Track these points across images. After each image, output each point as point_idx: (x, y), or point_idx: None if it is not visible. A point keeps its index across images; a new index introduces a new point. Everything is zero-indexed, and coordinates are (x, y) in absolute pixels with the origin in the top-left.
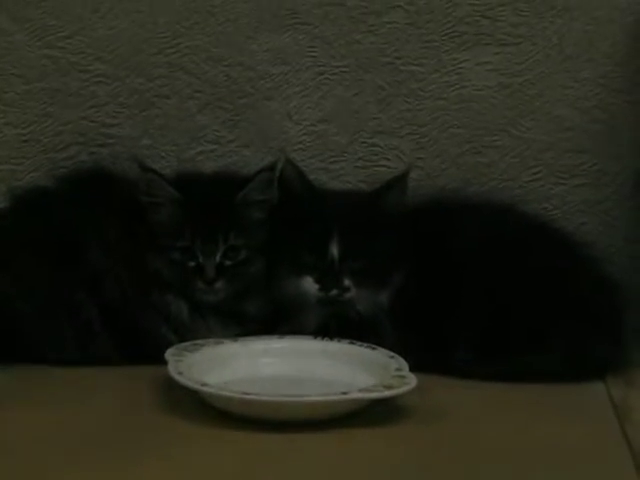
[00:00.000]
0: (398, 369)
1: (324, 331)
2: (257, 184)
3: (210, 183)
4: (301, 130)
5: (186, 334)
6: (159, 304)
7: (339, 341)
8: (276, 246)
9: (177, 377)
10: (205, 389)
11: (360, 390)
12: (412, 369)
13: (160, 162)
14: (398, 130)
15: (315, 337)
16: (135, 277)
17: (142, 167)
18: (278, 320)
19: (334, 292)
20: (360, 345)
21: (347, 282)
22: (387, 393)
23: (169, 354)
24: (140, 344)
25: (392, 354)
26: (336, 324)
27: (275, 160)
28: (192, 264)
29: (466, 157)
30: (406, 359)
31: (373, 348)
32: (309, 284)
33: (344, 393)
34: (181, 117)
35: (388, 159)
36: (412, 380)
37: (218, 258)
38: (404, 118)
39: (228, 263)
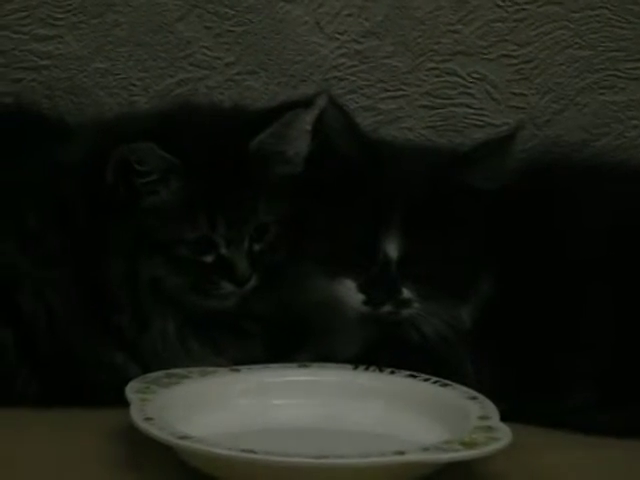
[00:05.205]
0: (483, 417)
1: (369, 359)
2: (282, 127)
3: (209, 125)
4: (337, 48)
5: (154, 361)
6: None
7: (393, 373)
8: (299, 227)
9: (143, 425)
10: (186, 443)
11: (425, 449)
12: (504, 418)
13: (122, 95)
14: (487, 50)
15: (355, 367)
16: (70, 283)
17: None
18: (298, 340)
19: (387, 308)
20: (426, 380)
21: (407, 293)
22: (467, 453)
23: (131, 390)
24: (83, 379)
25: (475, 394)
26: (389, 353)
27: (314, 93)
28: (209, 259)
29: (592, 94)
30: (495, 403)
31: (445, 385)
32: (349, 293)
33: (399, 453)
34: (153, 27)
35: (471, 95)
36: (504, 434)
37: (246, 244)
38: (495, 32)
39: (257, 248)
